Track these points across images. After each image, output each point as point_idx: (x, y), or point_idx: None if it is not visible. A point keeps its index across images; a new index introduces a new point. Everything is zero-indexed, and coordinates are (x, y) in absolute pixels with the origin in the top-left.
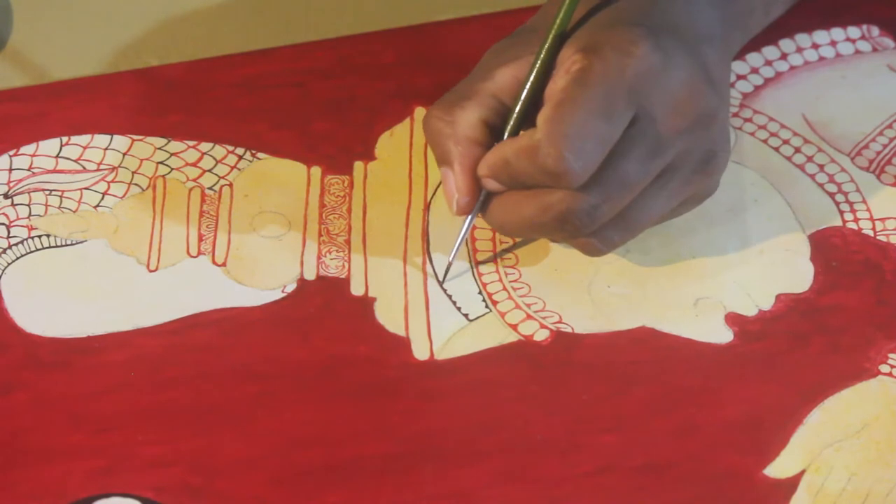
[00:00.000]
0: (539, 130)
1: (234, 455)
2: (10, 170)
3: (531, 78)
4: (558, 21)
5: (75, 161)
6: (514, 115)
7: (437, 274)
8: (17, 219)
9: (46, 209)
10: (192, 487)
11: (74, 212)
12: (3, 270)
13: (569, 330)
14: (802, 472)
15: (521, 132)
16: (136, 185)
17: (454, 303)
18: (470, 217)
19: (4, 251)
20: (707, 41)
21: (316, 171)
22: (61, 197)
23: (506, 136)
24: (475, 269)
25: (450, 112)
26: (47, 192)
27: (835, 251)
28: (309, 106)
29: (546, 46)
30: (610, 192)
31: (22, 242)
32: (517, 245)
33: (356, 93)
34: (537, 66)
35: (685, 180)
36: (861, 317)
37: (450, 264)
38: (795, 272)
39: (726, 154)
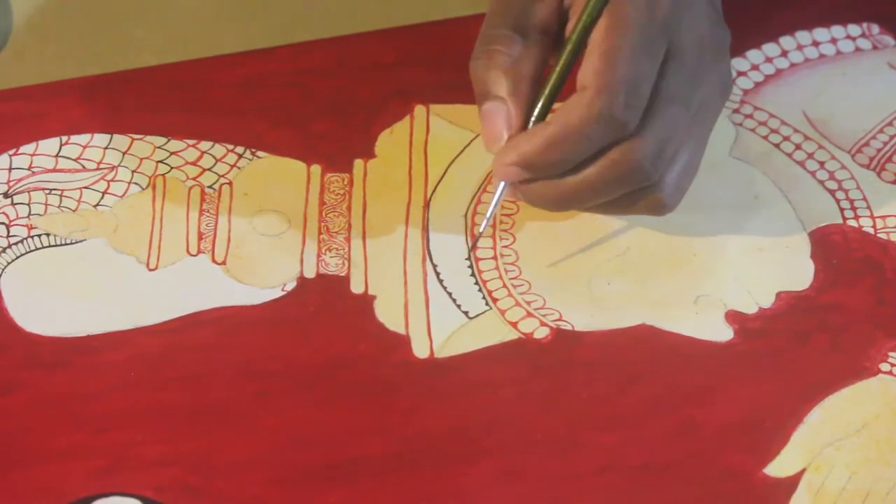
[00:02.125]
0: (590, 86)
1: (234, 455)
2: (10, 169)
3: (580, 26)
4: None
5: (75, 160)
6: (565, 58)
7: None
8: (17, 218)
9: (46, 208)
10: (192, 487)
11: (74, 211)
12: (3, 270)
13: (569, 327)
14: (803, 471)
15: (549, 116)
16: (135, 183)
17: (454, 300)
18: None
19: (4, 250)
20: None
21: (316, 169)
22: (61, 196)
23: (552, 82)
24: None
25: (513, 47)
26: (47, 192)
27: (835, 249)
28: (309, 105)
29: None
30: (668, 130)
31: (22, 242)
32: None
33: (356, 92)
34: (584, 17)
35: (716, 111)
36: (861, 315)
37: (480, 234)
38: (796, 270)
39: (732, 83)
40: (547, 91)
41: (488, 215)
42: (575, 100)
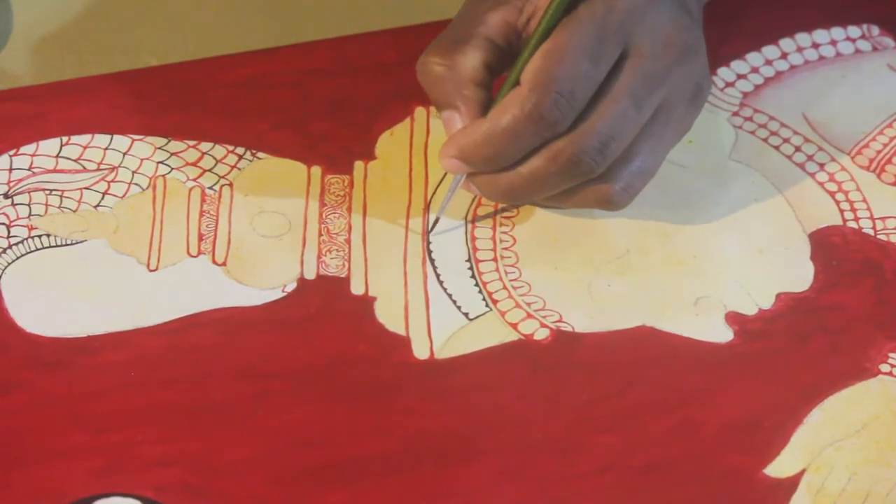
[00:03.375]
0: (525, 83)
1: (234, 455)
2: (10, 169)
3: (543, 25)
4: None
5: (75, 161)
6: (521, 62)
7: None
8: (18, 218)
9: (46, 209)
10: (192, 487)
11: (74, 211)
12: (4, 270)
13: (569, 329)
14: (803, 472)
15: (493, 107)
16: (136, 184)
17: (454, 302)
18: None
19: (4, 251)
20: None
21: (316, 170)
22: (61, 197)
23: (510, 80)
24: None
25: (450, 56)
26: (47, 192)
27: (835, 250)
28: (309, 106)
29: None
30: (614, 128)
31: (22, 242)
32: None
33: (356, 93)
34: (546, 17)
35: (682, 115)
36: (861, 316)
37: (437, 219)
38: (796, 271)
39: (709, 87)
40: (504, 88)
41: (443, 203)
42: (510, 97)
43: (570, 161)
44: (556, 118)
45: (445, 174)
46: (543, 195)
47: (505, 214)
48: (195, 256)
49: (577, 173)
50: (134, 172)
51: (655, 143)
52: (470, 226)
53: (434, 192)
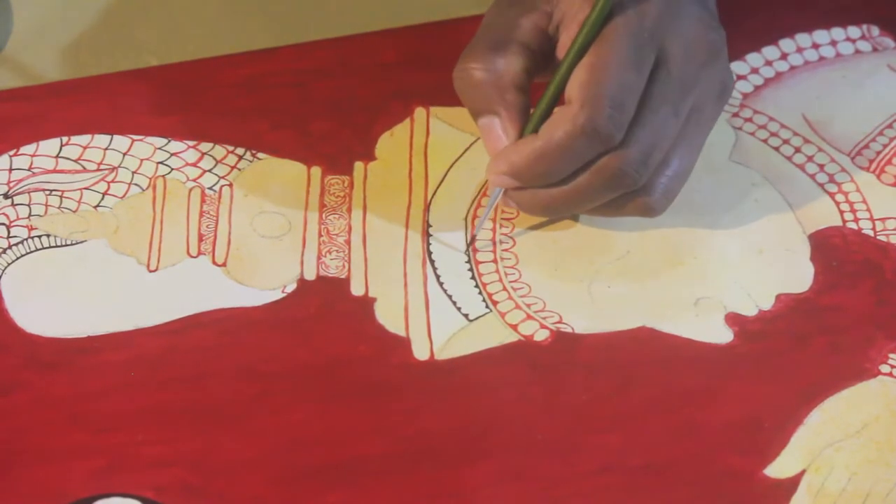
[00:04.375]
0: (575, 99)
1: (234, 455)
2: (10, 170)
3: (582, 35)
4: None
5: (75, 161)
6: (561, 71)
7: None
8: (17, 219)
9: (46, 209)
10: (192, 487)
11: (74, 212)
12: (4, 270)
13: (569, 330)
14: (803, 472)
15: (542, 126)
16: (136, 185)
17: (454, 303)
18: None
19: (4, 251)
20: None
21: (316, 171)
22: (61, 197)
23: (550, 92)
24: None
25: (490, 61)
26: (47, 192)
27: (835, 251)
28: (309, 106)
29: (596, 8)
30: (655, 138)
31: (22, 242)
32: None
33: (356, 93)
34: (586, 26)
35: (711, 113)
36: (861, 317)
37: (474, 236)
38: (795, 272)
39: (733, 83)
40: (544, 101)
41: (482, 218)
42: (560, 113)
43: (615, 174)
44: (610, 132)
45: (446, 174)
46: (584, 208)
47: (505, 215)
48: (195, 257)
49: (621, 186)
50: (134, 173)
51: (689, 145)
52: (470, 227)
53: (434, 193)
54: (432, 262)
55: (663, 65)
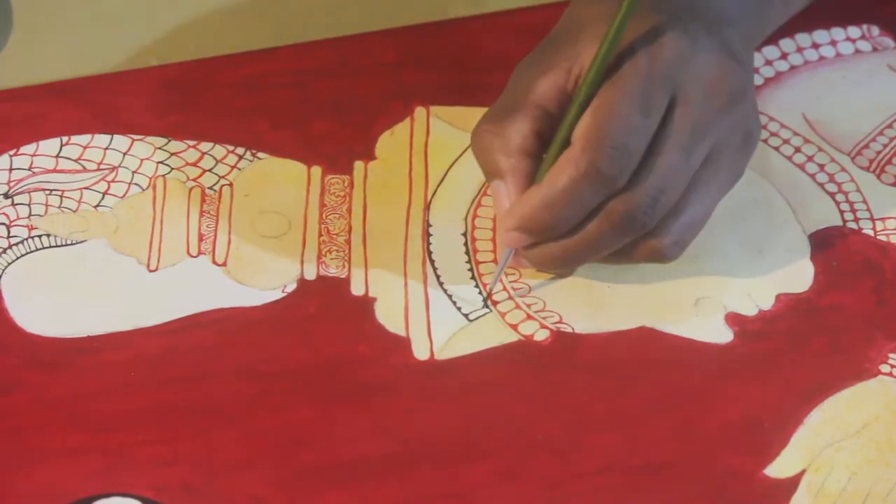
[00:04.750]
0: (577, 142)
1: (234, 455)
2: (11, 169)
3: (587, 81)
4: (615, 26)
5: (75, 161)
6: (568, 120)
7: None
8: (18, 218)
9: (46, 209)
10: (192, 487)
11: (74, 211)
12: (4, 270)
13: (569, 330)
14: (803, 472)
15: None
16: (136, 184)
17: (454, 303)
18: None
19: (4, 251)
20: (728, 24)
21: (316, 170)
22: (61, 197)
23: (559, 142)
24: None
25: (500, 125)
26: (47, 192)
27: (835, 251)
28: (309, 106)
29: (600, 54)
30: (666, 182)
31: (22, 242)
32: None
33: (356, 93)
34: (591, 73)
35: (732, 162)
36: (861, 317)
37: (491, 291)
38: (796, 272)
39: (759, 131)
40: (553, 149)
41: (494, 278)
42: (563, 158)
43: (623, 219)
44: (613, 174)
45: (446, 174)
46: (596, 257)
47: None
48: (195, 256)
49: (630, 231)
50: (134, 172)
51: (704, 192)
52: (470, 227)
53: (434, 193)
54: (432, 261)
55: (678, 106)
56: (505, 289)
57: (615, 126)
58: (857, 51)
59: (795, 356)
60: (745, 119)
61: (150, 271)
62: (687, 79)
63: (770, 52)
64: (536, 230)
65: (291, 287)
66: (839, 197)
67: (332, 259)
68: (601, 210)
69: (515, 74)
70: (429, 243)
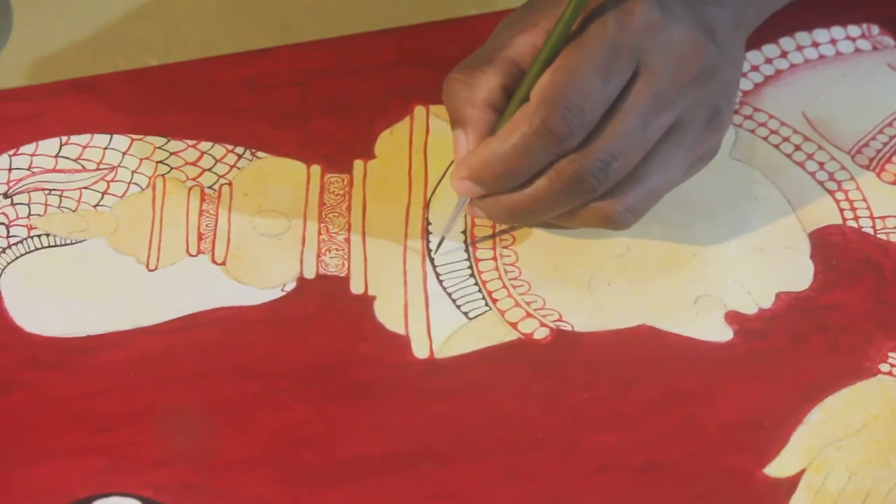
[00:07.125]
0: (533, 100)
1: (234, 455)
2: (10, 169)
3: (550, 42)
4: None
5: (75, 160)
6: (528, 79)
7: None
8: (17, 218)
9: (46, 209)
10: (192, 487)
11: (74, 211)
12: (3, 270)
13: (569, 328)
14: (802, 472)
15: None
16: (135, 184)
17: (454, 301)
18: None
19: (4, 251)
20: (714, 3)
21: (315, 169)
22: (61, 196)
23: (518, 99)
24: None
25: (471, 76)
26: (47, 192)
27: (835, 249)
28: (309, 105)
29: (565, 15)
30: (619, 147)
31: (21, 242)
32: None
33: (356, 93)
34: (555, 34)
35: (696, 138)
36: (861, 315)
37: (443, 238)
38: (795, 270)
39: (730, 111)
40: (512, 105)
41: (447, 226)
42: (518, 114)
43: (573, 179)
44: (565, 133)
45: (446, 172)
46: (548, 215)
47: None
48: (195, 256)
49: (580, 192)
50: (133, 172)
51: (664, 163)
52: (470, 225)
53: (434, 191)
54: (432, 260)
55: (640, 76)
56: (504, 286)
57: (572, 87)
58: (857, 49)
59: (795, 355)
60: (713, 96)
61: (150, 271)
62: (654, 49)
63: (770, 50)
64: (486, 181)
65: (291, 286)
66: (839, 195)
67: (331, 258)
68: (551, 168)
69: (497, 29)
70: (428, 242)
